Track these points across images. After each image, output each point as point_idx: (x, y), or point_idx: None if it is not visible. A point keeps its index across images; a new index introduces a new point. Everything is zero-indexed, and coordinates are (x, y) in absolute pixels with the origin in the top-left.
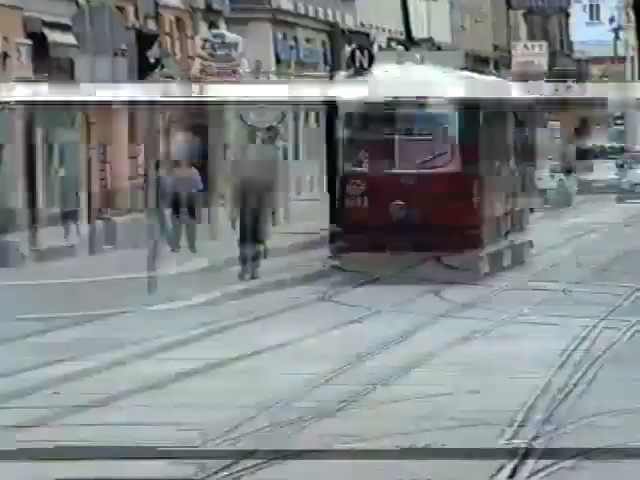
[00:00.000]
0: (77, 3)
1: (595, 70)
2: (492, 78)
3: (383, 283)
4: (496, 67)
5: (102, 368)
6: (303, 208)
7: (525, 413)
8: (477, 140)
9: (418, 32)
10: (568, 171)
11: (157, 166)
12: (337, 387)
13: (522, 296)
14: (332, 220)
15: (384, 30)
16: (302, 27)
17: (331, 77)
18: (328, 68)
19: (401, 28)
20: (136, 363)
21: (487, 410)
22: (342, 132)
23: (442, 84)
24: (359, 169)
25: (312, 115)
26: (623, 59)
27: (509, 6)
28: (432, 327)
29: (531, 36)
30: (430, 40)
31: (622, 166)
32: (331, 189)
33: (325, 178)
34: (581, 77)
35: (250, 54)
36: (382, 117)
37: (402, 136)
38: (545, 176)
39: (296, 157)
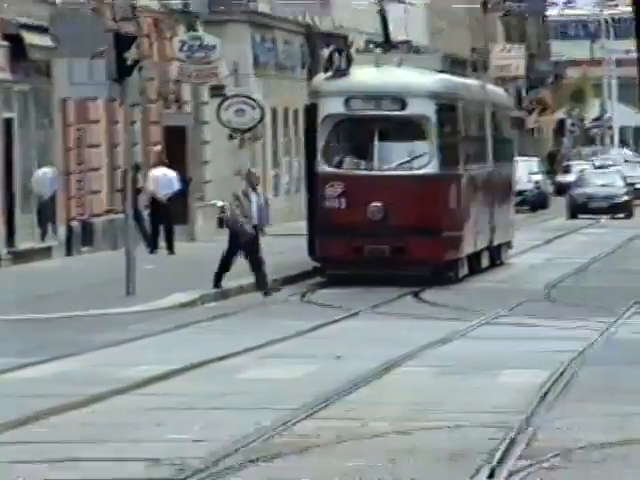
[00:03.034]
0: (54, 5)
1: (572, 72)
2: (470, 80)
3: (362, 285)
4: (474, 70)
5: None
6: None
7: (504, 414)
8: (456, 141)
9: (396, 35)
10: (547, 172)
11: (136, 167)
12: (315, 388)
13: (501, 297)
14: (310, 220)
15: (362, 33)
16: (280, 29)
17: (309, 79)
18: (306, 70)
19: (379, 31)
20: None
21: (466, 411)
22: (322, 133)
23: (419, 86)
24: (338, 170)
25: (291, 116)
26: (600, 62)
27: (485, 10)
28: (410, 328)
29: (508, 39)
30: (408, 43)
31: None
32: (310, 190)
33: (304, 179)
34: (558, 79)
35: (228, 56)
36: (361, 118)
37: (381, 138)
38: (522, 177)
39: (275, 158)
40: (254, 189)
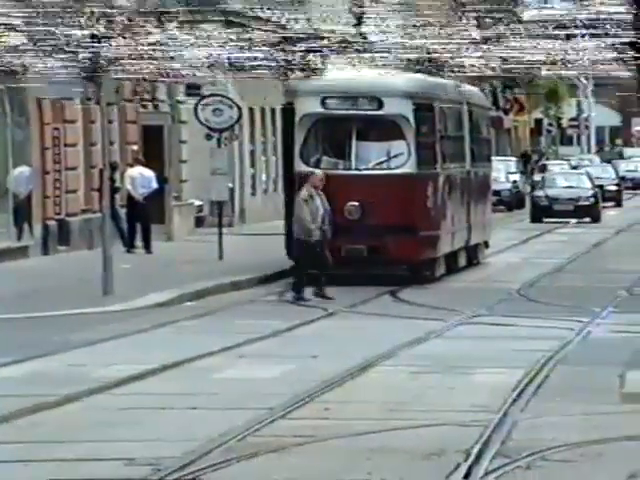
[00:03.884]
0: (30, 4)
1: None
2: (446, 80)
3: (339, 284)
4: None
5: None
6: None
7: (480, 413)
8: (433, 141)
9: (372, 34)
10: (522, 172)
11: (112, 167)
12: (292, 388)
13: (477, 297)
14: (288, 220)
15: (337, 32)
16: (254, 29)
17: (284, 79)
18: (281, 70)
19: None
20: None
21: (442, 410)
22: (299, 133)
23: (394, 86)
24: (315, 169)
25: (268, 116)
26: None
27: (462, 10)
28: (387, 327)
29: (483, 39)
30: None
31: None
32: (287, 189)
33: (282, 178)
34: (533, 79)
35: (204, 55)
36: (338, 118)
37: (358, 137)
38: (499, 177)
39: (252, 158)
40: (317, 192)
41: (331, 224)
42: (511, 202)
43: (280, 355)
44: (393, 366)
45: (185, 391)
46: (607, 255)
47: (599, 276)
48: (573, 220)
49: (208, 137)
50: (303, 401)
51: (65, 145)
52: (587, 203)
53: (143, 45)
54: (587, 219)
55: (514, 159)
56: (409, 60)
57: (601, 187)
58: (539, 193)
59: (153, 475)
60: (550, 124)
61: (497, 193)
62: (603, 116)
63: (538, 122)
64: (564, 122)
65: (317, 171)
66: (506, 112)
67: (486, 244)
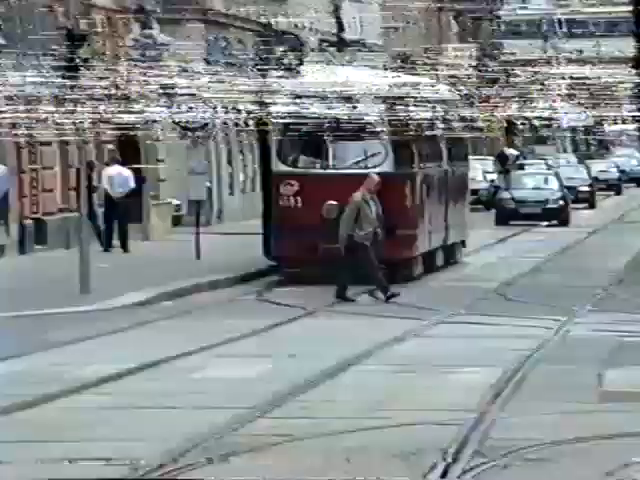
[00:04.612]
0: (6, 1)
1: (523, 72)
2: (422, 79)
3: (317, 283)
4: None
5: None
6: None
7: (458, 412)
8: (409, 141)
9: (349, 34)
10: (500, 172)
11: (89, 166)
12: (270, 387)
13: (455, 296)
14: (265, 219)
15: (315, 31)
16: (234, 28)
17: (262, 78)
18: (259, 69)
19: (332, 29)
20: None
21: (420, 409)
22: (275, 133)
23: (371, 85)
24: (293, 169)
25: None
26: (550, 62)
27: (440, 9)
28: (366, 327)
29: (461, 38)
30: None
31: (506, 172)
32: (265, 189)
33: (259, 178)
34: (509, 79)
35: (181, 54)
36: (314, 118)
37: (335, 137)
38: (477, 176)
39: (229, 157)
40: (371, 196)
41: (382, 228)
42: (489, 201)
43: (259, 354)
44: (371, 365)
45: (164, 391)
46: (587, 254)
47: (577, 275)
48: (543, 223)
49: (182, 136)
50: (282, 400)
51: (41, 144)
52: (555, 206)
53: (121, 44)
54: (555, 221)
55: (491, 158)
56: (386, 59)
57: (574, 188)
58: (504, 195)
59: (131, 475)
60: (523, 124)
61: (475, 192)
62: (576, 116)
63: (511, 122)
64: (537, 122)
65: (374, 175)
66: (481, 112)
67: (463, 243)
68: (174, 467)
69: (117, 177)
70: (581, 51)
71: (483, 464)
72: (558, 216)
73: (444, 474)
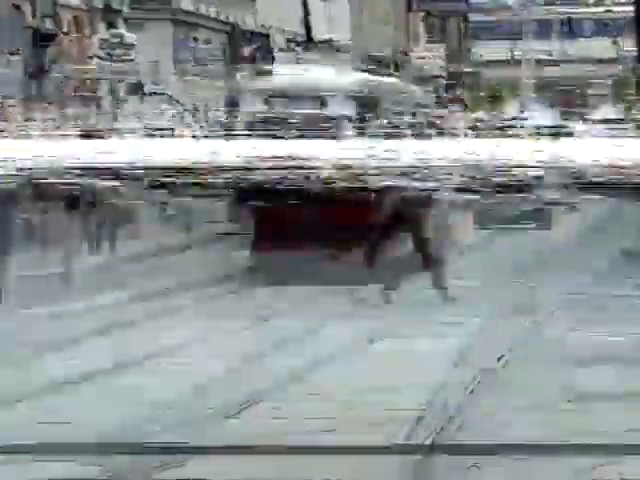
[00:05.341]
0: None
1: (492, 73)
2: (391, 79)
3: (291, 282)
4: (396, 69)
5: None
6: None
7: (430, 411)
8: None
9: (318, 33)
10: None
11: None
12: (239, 386)
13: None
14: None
15: (284, 31)
16: (202, 27)
17: (230, 77)
18: (227, 69)
19: (301, 29)
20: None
21: (389, 409)
22: (242, 132)
23: (340, 85)
24: None
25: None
26: (519, 62)
27: (409, 9)
28: (340, 327)
29: (430, 39)
30: (330, 41)
31: None
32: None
33: None
34: (477, 79)
35: (149, 54)
36: (281, 117)
37: (302, 137)
38: None
39: None
40: None
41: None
42: None
43: (228, 355)
44: (342, 366)
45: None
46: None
47: (549, 274)
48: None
49: (149, 135)
50: (252, 400)
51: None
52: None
53: (89, 44)
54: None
55: None
56: (355, 59)
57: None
58: None
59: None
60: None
61: None
62: (543, 116)
63: (479, 122)
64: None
65: None
66: (449, 112)
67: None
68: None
69: None
70: (550, 52)
71: (458, 462)
72: (537, 217)
73: (418, 471)
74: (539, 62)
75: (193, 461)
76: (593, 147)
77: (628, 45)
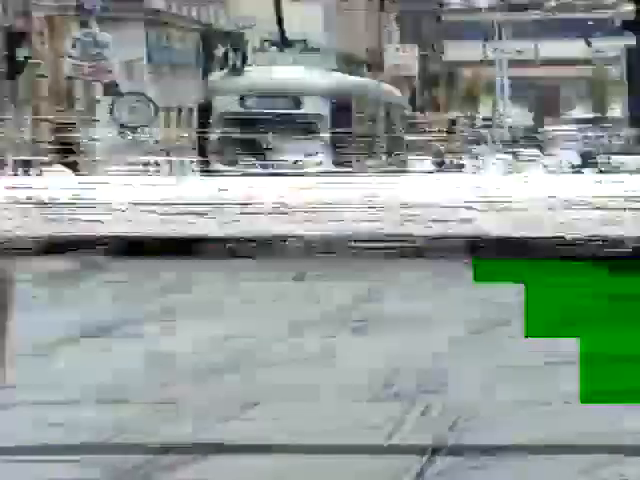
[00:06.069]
0: None
1: (466, 73)
2: (365, 79)
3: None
4: (369, 69)
5: None
6: None
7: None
8: (350, 140)
9: (292, 33)
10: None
11: (25, 165)
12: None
13: None
14: None
15: (258, 31)
16: (176, 27)
17: (204, 77)
18: (201, 69)
19: (275, 29)
20: None
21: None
22: (215, 132)
23: (314, 85)
24: (232, 169)
25: (185, 115)
26: (492, 62)
27: (382, 9)
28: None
29: (403, 39)
30: (304, 41)
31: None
32: None
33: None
34: (451, 79)
35: (122, 54)
36: (255, 117)
37: (276, 136)
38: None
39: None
40: None
41: None
42: None
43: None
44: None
45: None
46: None
47: None
48: None
49: (121, 135)
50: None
51: None
52: None
53: (62, 43)
54: None
55: (430, 158)
56: (330, 59)
57: None
58: None
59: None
60: (464, 124)
61: None
62: (517, 116)
63: (453, 122)
64: (477, 122)
65: None
66: (423, 112)
67: None
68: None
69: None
70: (520, 52)
71: (457, 463)
72: None
73: (420, 474)
74: (512, 63)
75: (193, 461)
76: None
77: (600, 46)
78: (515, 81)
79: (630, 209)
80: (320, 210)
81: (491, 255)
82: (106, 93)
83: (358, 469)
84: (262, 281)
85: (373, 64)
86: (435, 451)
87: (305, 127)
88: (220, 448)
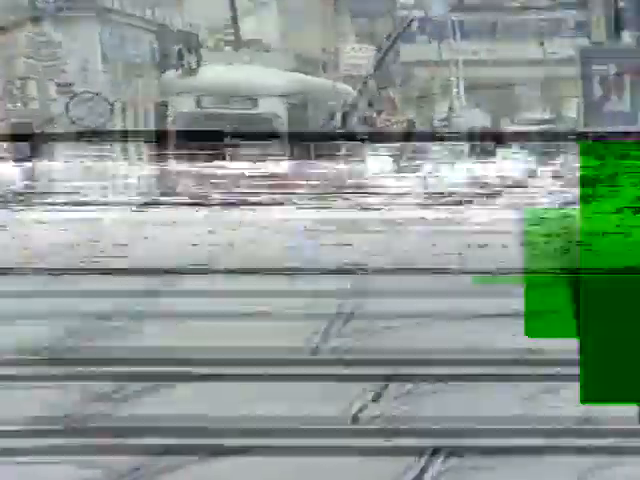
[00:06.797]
0: None
1: (421, 73)
2: (321, 79)
3: None
4: (324, 69)
5: None
6: None
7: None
8: (307, 140)
9: (247, 33)
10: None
11: None
12: None
13: None
14: None
15: (213, 31)
16: (130, 26)
17: (160, 77)
18: (156, 68)
19: (230, 29)
20: None
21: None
22: (172, 131)
23: (270, 85)
24: (189, 168)
25: (141, 114)
26: (447, 63)
27: (337, 9)
28: None
29: (358, 39)
30: (259, 41)
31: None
32: None
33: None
34: (407, 80)
35: (77, 53)
36: (212, 116)
37: (233, 135)
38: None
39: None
40: None
41: None
42: None
43: None
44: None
45: None
46: None
47: None
48: None
49: (80, 136)
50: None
51: None
52: None
53: (14, 42)
54: None
55: (386, 156)
56: (286, 59)
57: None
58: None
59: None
60: (422, 124)
61: None
62: (474, 117)
63: (410, 123)
64: (435, 122)
65: None
66: (379, 113)
67: None
68: None
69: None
70: (476, 52)
71: (456, 464)
72: None
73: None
74: (467, 63)
75: (193, 461)
76: None
77: (553, 47)
78: (470, 81)
79: None
80: None
81: None
82: (61, 92)
83: (358, 469)
84: None
85: (329, 64)
86: (435, 451)
87: (262, 126)
88: (220, 449)
